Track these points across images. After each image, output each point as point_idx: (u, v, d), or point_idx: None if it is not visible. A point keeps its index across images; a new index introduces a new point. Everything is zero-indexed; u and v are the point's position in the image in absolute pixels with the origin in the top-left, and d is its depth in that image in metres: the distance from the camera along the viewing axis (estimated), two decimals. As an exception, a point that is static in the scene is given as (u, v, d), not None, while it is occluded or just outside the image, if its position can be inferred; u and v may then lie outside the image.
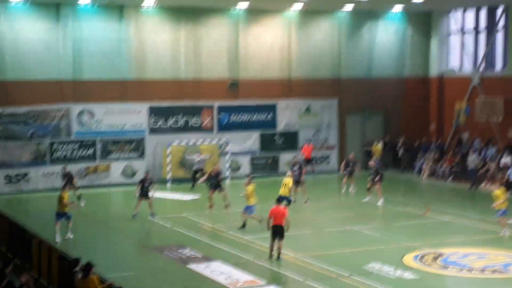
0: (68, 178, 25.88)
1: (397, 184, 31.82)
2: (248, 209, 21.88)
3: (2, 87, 29.02)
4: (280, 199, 19.11)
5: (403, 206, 26.04)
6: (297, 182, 25.73)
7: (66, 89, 30.20)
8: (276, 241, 18.25)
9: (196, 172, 29.74)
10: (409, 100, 36.20)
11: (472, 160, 30.51)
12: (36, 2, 29.44)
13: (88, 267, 13.56)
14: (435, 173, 33.03)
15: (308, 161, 32.58)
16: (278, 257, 18.33)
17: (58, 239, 20.46)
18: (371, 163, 27.59)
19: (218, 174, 25.59)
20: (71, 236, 21.10)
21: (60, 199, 20.77)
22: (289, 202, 23.14)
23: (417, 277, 17.02)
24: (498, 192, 21.35)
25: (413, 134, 35.43)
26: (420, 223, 23.31)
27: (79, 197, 25.61)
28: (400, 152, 34.78)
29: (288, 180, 23.74)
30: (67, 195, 21.05)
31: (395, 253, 19.17)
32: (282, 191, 23.13)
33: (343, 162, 29.37)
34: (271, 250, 18.45)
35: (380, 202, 26.15)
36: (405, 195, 28.80)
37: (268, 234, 18.75)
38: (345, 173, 28.44)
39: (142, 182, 24.14)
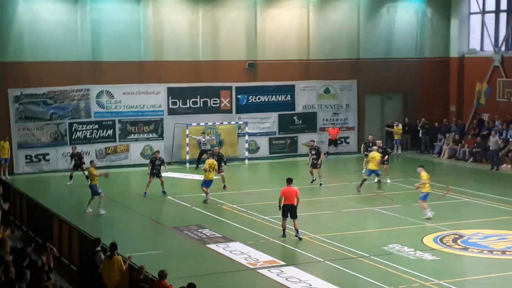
0: (78, 158, 26.67)
1: (416, 165, 31.57)
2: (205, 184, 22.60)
3: (21, 68, 29.13)
4: (289, 181, 18.77)
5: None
6: (314, 165, 25.79)
7: (85, 70, 30.27)
8: (287, 220, 18.49)
9: (203, 152, 29.85)
10: (428, 81, 35.90)
11: (495, 141, 30.25)
12: (55, -17, 29.49)
13: (113, 247, 13.66)
14: (456, 154, 32.83)
15: (334, 142, 32.79)
16: (297, 236, 18.42)
17: (88, 209, 21.77)
18: (370, 137, 28.53)
19: (220, 156, 25.82)
20: (103, 212, 21.47)
21: (90, 174, 21.95)
22: (377, 175, 24.85)
23: (438, 258, 16.96)
24: None
25: (433, 115, 35.19)
26: (441, 204, 23.17)
27: (87, 177, 25.91)
28: (420, 133, 34.62)
29: (376, 154, 24.74)
30: (94, 169, 22.00)
31: (415, 234, 19.11)
32: (371, 166, 24.56)
33: (363, 144, 29.26)
34: (284, 229, 18.63)
35: (388, 181, 26.58)
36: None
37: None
38: (365, 154, 28.21)
39: (153, 161, 24.62)
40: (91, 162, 23.29)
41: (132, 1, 31.03)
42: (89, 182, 22.18)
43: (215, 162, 24.08)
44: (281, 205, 18.55)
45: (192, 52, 32.10)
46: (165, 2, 31.61)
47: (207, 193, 23.30)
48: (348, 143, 34.85)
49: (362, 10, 34.59)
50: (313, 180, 26.08)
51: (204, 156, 29.07)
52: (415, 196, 24.41)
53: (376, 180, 25.26)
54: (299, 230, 18.53)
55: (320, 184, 25.84)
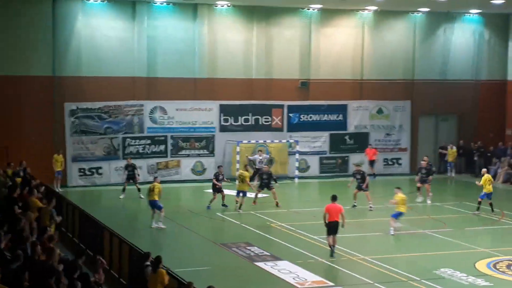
0: (131, 169, 27.10)
1: (471, 189, 31.01)
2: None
3: (78, 82, 29.70)
4: (334, 198, 18.94)
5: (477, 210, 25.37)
6: (359, 188, 25.53)
7: (139, 86, 30.70)
8: (331, 236, 18.57)
9: (257, 171, 29.79)
10: (484, 103, 35.30)
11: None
12: (113, 0, 30.03)
13: (157, 261, 13.70)
14: (511, 179, 32.10)
15: (371, 163, 32.34)
16: (332, 252, 18.59)
17: (153, 225, 21.97)
18: (423, 163, 27.53)
19: (268, 174, 26.01)
20: (163, 227, 21.67)
21: (152, 188, 22.03)
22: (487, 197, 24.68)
23: (491, 284, 16.53)
24: None
25: (488, 138, 34.53)
26: (495, 229, 22.67)
27: (139, 190, 26.24)
28: (475, 156, 34.00)
29: (488, 177, 24.78)
30: (159, 186, 22.25)
31: (468, 258, 18.68)
32: (487, 189, 24.34)
33: (418, 169, 28.20)
34: (330, 245, 18.71)
35: (429, 201, 26.45)
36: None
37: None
38: (418, 181, 27.40)
39: (216, 176, 25.28)
40: (156, 178, 23.30)
41: (188, 19, 31.40)
42: (149, 197, 22.13)
43: (246, 174, 25.00)
44: (326, 222, 18.63)
45: (246, 70, 32.26)
46: (220, 20, 31.89)
47: (236, 202, 24.66)
48: (400, 164, 34.43)
49: (418, 31, 34.30)
50: (354, 206, 25.37)
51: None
52: (468, 220, 23.97)
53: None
54: (335, 246, 18.71)
55: (370, 208, 25.43)
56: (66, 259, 14.05)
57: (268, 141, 31.99)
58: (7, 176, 22.30)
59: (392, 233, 21.25)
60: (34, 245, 13.20)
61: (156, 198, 21.97)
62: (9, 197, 18.06)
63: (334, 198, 18.92)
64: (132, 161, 27.83)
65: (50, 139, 29.26)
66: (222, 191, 25.02)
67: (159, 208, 22.03)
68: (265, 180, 25.84)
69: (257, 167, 30.11)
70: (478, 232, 22.24)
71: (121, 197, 26.85)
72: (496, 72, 35.66)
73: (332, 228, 18.59)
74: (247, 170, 25.95)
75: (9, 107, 28.99)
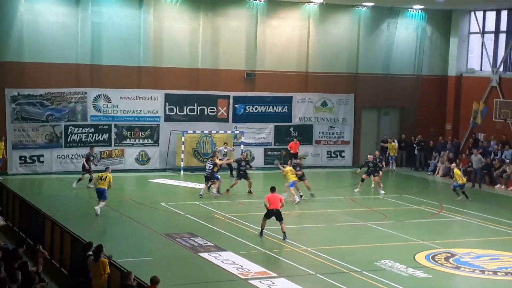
0: (93, 159, 27.17)
1: (411, 182, 31.73)
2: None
3: (20, 68, 29.09)
4: (273, 189, 20.44)
5: (416, 204, 25.94)
6: (300, 178, 25.76)
7: (83, 73, 30.25)
8: (267, 221, 19.94)
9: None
10: (426, 98, 36.00)
11: (478, 159, 30.43)
12: (57, -15, 29.49)
13: (98, 250, 13.61)
14: (450, 173, 32.83)
15: (294, 155, 32.02)
16: (285, 238, 19.61)
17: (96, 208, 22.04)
18: (370, 157, 28.13)
19: (247, 161, 27.07)
20: (98, 213, 21.79)
21: (104, 177, 22.10)
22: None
23: (429, 276, 16.93)
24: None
25: (429, 132, 35.26)
26: (433, 222, 23.19)
27: (90, 180, 26.02)
28: (416, 150, 34.69)
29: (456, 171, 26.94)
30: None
31: (408, 250, 19.08)
32: (461, 180, 26.39)
33: (363, 164, 28.59)
34: (263, 228, 19.99)
35: (382, 191, 27.32)
36: (419, 193, 28.67)
37: (279, 226, 19.17)
38: (365, 173, 27.81)
39: (238, 161, 26.83)
40: (107, 168, 23.26)
41: (133, 6, 31.06)
42: (99, 185, 22.10)
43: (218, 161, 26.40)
44: (268, 209, 19.95)
45: (191, 59, 32.12)
46: (166, 9, 31.64)
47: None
48: (343, 157, 34.87)
49: (362, 25, 34.71)
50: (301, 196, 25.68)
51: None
52: (408, 212, 24.49)
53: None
54: (286, 232, 19.68)
55: (301, 197, 25.54)
56: (6, 248, 13.83)
57: (214, 131, 31.98)
58: None
59: (297, 200, 24.59)
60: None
61: (105, 187, 21.90)
62: None
63: (273, 189, 20.42)
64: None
65: (-10, 125, 28.62)
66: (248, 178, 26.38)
67: (105, 198, 21.92)
68: (243, 168, 26.51)
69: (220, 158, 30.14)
70: (417, 224, 22.71)
71: (90, 186, 26.27)
72: (438, 67, 36.38)
73: (274, 215, 19.84)
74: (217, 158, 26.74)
75: None
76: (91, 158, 26.78)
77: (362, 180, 27.76)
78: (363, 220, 22.88)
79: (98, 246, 13.72)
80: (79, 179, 26.47)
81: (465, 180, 26.85)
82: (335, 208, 24.89)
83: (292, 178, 25.02)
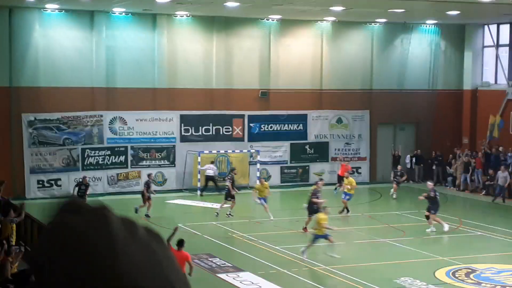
0: (85, 188, 26.22)
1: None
2: None
3: (36, 93, 29.31)
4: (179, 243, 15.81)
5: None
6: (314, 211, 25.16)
7: (98, 96, 30.42)
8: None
9: (208, 180, 30.18)
10: (441, 113, 35.85)
11: (504, 176, 30.02)
12: (71, 10, 29.74)
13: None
14: (468, 187, 32.62)
15: (341, 178, 31.60)
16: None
17: None
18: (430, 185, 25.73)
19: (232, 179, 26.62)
20: None
21: None
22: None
23: (450, 292, 16.77)
24: None
25: (445, 147, 35.08)
26: (453, 237, 23.00)
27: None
28: (434, 165, 34.51)
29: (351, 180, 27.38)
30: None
31: (428, 267, 18.92)
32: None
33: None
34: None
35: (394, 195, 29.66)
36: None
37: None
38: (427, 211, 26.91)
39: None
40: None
41: (147, 28, 31.27)
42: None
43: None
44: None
45: (206, 80, 32.23)
46: (179, 30, 31.83)
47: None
48: (360, 173, 34.73)
49: (376, 41, 34.70)
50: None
51: (210, 183, 30.02)
52: (427, 228, 24.26)
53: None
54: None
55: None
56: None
57: (229, 151, 32.00)
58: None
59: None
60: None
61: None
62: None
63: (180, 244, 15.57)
64: (88, 180, 27.06)
65: (8, 150, 28.80)
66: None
67: None
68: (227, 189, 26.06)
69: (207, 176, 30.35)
70: (437, 240, 22.54)
71: None
72: (452, 81, 36.26)
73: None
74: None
75: (-35, 118, 28.49)
76: (151, 184, 25.55)
77: (427, 218, 24.29)
78: (382, 237, 22.73)
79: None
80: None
81: (352, 191, 26.47)
82: (353, 225, 24.75)
83: (266, 193, 24.96)
